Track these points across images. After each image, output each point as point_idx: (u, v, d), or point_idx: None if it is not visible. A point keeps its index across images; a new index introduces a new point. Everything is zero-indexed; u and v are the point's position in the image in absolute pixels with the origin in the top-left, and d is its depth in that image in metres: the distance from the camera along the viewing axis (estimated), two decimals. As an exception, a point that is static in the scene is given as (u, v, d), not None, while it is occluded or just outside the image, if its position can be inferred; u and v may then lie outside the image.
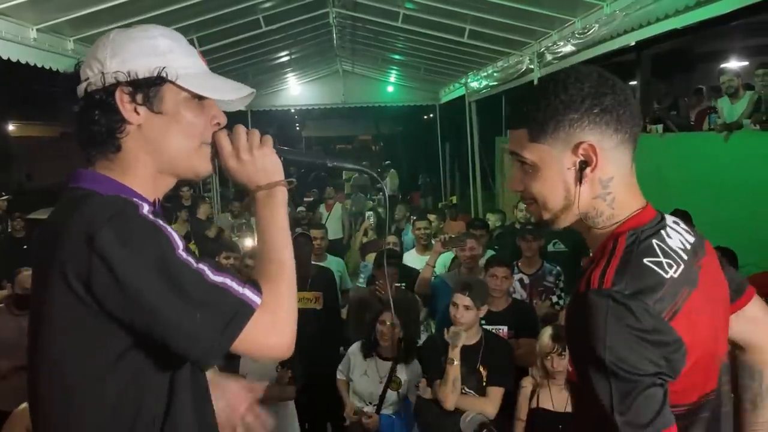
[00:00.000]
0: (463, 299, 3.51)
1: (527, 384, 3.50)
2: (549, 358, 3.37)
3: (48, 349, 1.11)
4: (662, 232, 1.24)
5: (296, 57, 11.40)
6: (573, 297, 1.21)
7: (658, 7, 4.86)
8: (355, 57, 12.67)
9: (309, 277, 4.97)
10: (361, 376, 3.96)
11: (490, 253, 5.57)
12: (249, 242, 6.30)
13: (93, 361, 1.10)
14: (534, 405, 3.44)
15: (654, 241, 1.21)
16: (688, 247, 1.24)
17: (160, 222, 1.10)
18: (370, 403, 3.90)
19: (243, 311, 1.09)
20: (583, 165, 1.21)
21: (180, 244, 1.09)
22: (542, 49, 7.45)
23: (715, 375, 1.26)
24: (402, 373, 3.91)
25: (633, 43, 5.99)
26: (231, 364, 3.77)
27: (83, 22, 5.71)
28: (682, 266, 1.19)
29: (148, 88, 1.17)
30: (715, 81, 7.08)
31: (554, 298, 5.01)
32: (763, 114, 6.08)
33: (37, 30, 5.29)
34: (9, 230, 8.49)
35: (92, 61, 1.19)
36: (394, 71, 13.82)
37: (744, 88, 6.65)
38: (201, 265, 1.09)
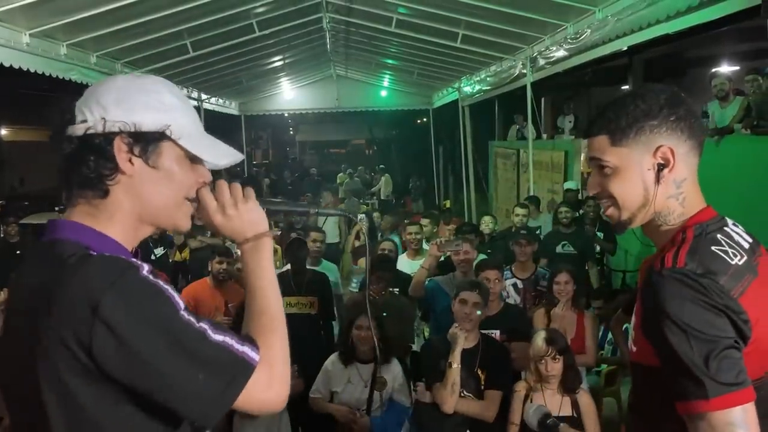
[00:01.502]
0: (473, 296, 3.53)
1: (521, 388, 3.50)
2: (543, 361, 3.38)
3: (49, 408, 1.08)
4: (725, 228, 1.37)
5: (290, 61, 11.42)
6: (647, 276, 1.31)
7: (650, 12, 4.89)
8: (348, 61, 12.70)
9: (304, 282, 4.97)
10: (346, 385, 3.93)
11: (481, 257, 5.57)
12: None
13: (94, 418, 1.09)
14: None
15: (719, 234, 1.34)
16: (747, 245, 1.36)
17: (161, 284, 1.10)
18: (359, 410, 3.89)
19: (243, 370, 1.10)
20: (662, 166, 1.34)
21: (182, 304, 1.09)
22: (535, 54, 7.48)
23: None
24: (385, 373, 3.92)
25: (625, 48, 6.03)
26: None
27: (76, 27, 5.71)
28: (745, 257, 1.31)
29: (148, 142, 1.17)
30: (706, 86, 7.12)
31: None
32: (754, 118, 6.12)
33: (30, 35, 5.28)
34: (2, 235, 8.45)
35: (93, 104, 1.17)
36: (387, 76, 13.86)
37: (735, 93, 6.70)
38: (203, 325, 1.09)
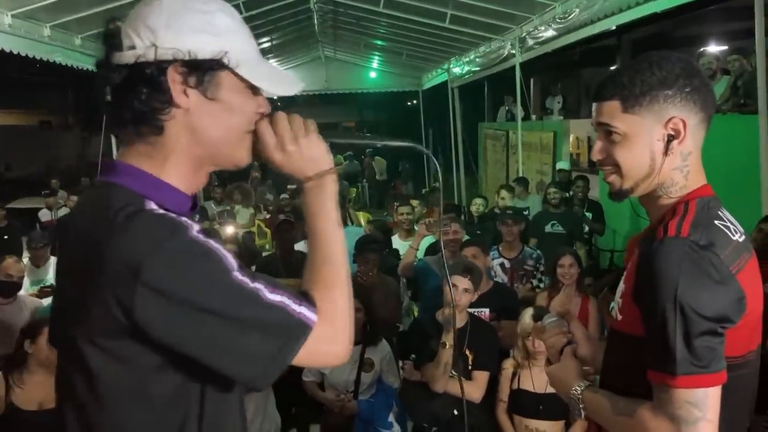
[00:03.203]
0: (463, 282, 3.50)
1: (508, 366, 3.54)
2: (530, 339, 3.41)
3: (87, 362, 1.06)
4: (723, 208, 1.37)
5: (277, 43, 11.32)
6: (648, 243, 1.29)
7: (638, -9, 4.89)
8: (336, 43, 12.60)
9: (292, 264, 4.98)
10: (334, 367, 3.97)
11: (465, 237, 5.61)
12: (230, 230, 6.28)
13: (136, 385, 1.06)
14: (515, 386, 3.49)
15: (719, 211, 1.34)
16: (740, 228, 1.37)
17: (212, 243, 1.03)
18: (348, 391, 3.92)
19: (300, 331, 1.04)
20: (671, 138, 1.32)
21: (234, 264, 1.02)
22: (524, 35, 7.46)
23: (759, 335, 1.37)
24: (371, 355, 3.95)
25: (613, 28, 6.03)
26: None
27: (59, 7, 5.62)
28: (744, 236, 1.33)
29: (205, 71, 1.07)
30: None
31: (534, 282, 5.07)
32: (741, 97, 6.16)
33: (12, 16, 5.20)
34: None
35: (142, 28, 1.06)
36: (376, 57, 13.78)
37: (721, 72, 6.73)
38: (257, 284, 1.03)
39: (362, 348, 3.93)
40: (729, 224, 1.31)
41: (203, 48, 1.06)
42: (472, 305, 3.75)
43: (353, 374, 3.94)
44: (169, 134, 1.10)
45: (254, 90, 1.14)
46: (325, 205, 1.19)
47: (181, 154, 1.11)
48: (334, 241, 1.18)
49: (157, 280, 0.96)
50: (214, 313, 0.98)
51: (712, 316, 1.19)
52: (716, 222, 1.30)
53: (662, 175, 1.35)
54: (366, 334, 3.94)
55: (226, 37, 1.09)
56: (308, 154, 1.17)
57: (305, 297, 1.09)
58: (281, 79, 1.21)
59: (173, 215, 1.05)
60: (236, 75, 1.10)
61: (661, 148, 1.33)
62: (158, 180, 1.10)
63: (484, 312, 3.99)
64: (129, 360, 1.04)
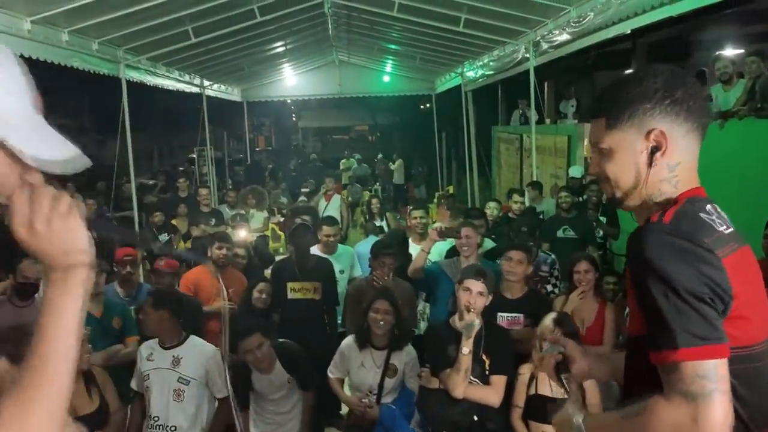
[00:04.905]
0: (477, 285, 3.50)
1: (525, 371, 3.52)
2: (546, 340, 3.39)
3: None
4: (714, 204, 1.38)
5: (292, 47, 11.36)
6: (634, 231, 1.34)
7: (654, -5, 4.86)
8: (350, 47, 12.65)
9: (308, 268, 4.99)
10: (358, 368, 3.97)
11: (487, 242, 5.58)
12: (243, 233, 6.32)
13: None
14: (532, 391, 3.46)
15: (708, 206, 1.36)
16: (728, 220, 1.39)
17: None
18: (370, 392, 3.92)
19: None
20: (654, 150, 1.36)
21: None
22: (538, 38, 7.45)
23: None
24: (396, 360, 3.94)
25: (628, 32, 5.99)
26: (243, 378, 3.81)
27: (77, 13, 5.69)
28: (732, 229, 1.34)
29: None
30: (710, 69, 7.09)
31: (549, 287, 5.04)
32: (758, 101, 6.09)
33: (32, 22, 5.26)
34: (6, 222, 8.46)
35: None
36: (390, 61, 13.80)
37: (738, 76, 6.66)
38: None
39: (387, 353, 3.92)
40: (715, 218, 1.33)
41: None
42: (505, 310, 3.73)
43: (377, 378, 3.92)
44: None
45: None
46: (65, 305, 1.00)
47: None
48: (57, 348, 0.98)
49: None
50: None
51: (696, 288, 1.20)
52: (701, 214, 1.32)
53: (650, 186, 1.39)
54: (393, 338, 3.92)
55: None
56: (59, 240, 1.00)
57: None
58: (54, 152, 1.03)
59: None
60: None
61: (645, 159, 1.37)
62: None
63: (519, 318, 3.96)
64: None
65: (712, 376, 1.19)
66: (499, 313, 3.94)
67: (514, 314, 3.94)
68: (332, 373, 4.10)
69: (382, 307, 3.87)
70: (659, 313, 1.22)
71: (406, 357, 3.95)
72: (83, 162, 1.05)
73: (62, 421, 0.97)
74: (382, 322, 3.86)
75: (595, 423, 1.44)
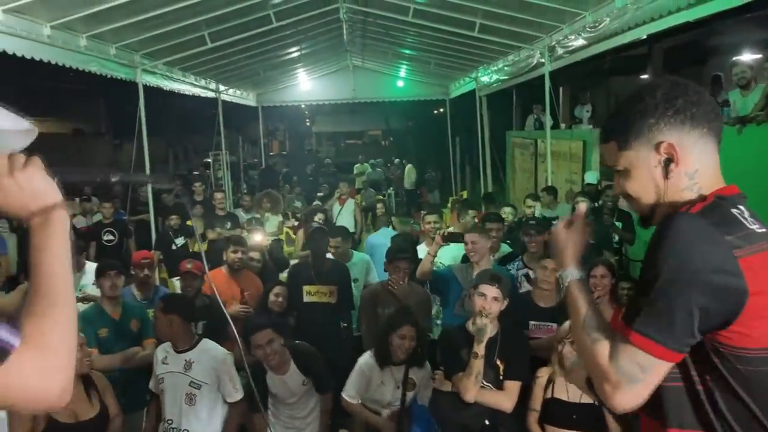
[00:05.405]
0: (492, 290, 3.48)
1: (543, 374, 3.49)
2: (563, 343, 3.35)
3: None
4: (747, 205, 1.37)
5: (306, 52, 11.43)
6: (660, 221, 1.37)
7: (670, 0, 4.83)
8: (365, 52, 12.68)
9: (324, 271, 5.00)
10: (378, 386, 3.91)
11: (504, 247, 5.56)
12: (258, 237, 6.34)
13: None
14: (549, 395, 3.44)
15: (741, 205, 1.35)
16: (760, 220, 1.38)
17: None
18: (389, 404, 3.88)
19: None
20: (668, 162, 1.37)
21: None
22: (553, 43, 7.43)
23: None
24: (414, 375, 3.90)
25: (644, 37, 5.96)
26: (257, 379, 3.79)
27: (96, 18, 5.76)
28: (765, 229, 1.32)
29: None
30: (727, 74, 7.03)
31: (562, 293, 5.00)
32: (776, 107, 6.03)
33: (51, 27, 5.33)
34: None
35: None
36: (404, 66, 13.83)
37: (756, 81, 6.60)
38: None
39: (406, 368, 3.88)
40: (747, 215, 1.32)
41: None
42: (537, 318, 3.70)
43: (396, 394, 3.87)
44: None
45: None
46: (50, 242, 1.11)
47: None
48: (55, 276, 1.09)
49: None
50: None
51: (696, 295, 1.21)
52: (732, 210, 1.31)
53: (671, 196, 1.39)
54: (412, 354, 3.86)
55: None
56: (29, 188, 1.10)
57: (9, 323, 1.00)
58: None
59: None
60: None
61: (660, 172, 1.39)
62: None
63: (552, 326, 3.93)
64: None
65: (648, 369, 1.27)
66: (532, 322, 3.94)
67: (547, 323, 3.93)
68: (351, 397, 3.91)
69: (408, 333, 3.80)
70: (647, 290, 1.26)
71: (424, 371, 3.92)
72: (31, 133, 1.14)
73: (75, 330, 1.08)
74: (406, 347, 3.83)
75: (575, 297, 1.49)
